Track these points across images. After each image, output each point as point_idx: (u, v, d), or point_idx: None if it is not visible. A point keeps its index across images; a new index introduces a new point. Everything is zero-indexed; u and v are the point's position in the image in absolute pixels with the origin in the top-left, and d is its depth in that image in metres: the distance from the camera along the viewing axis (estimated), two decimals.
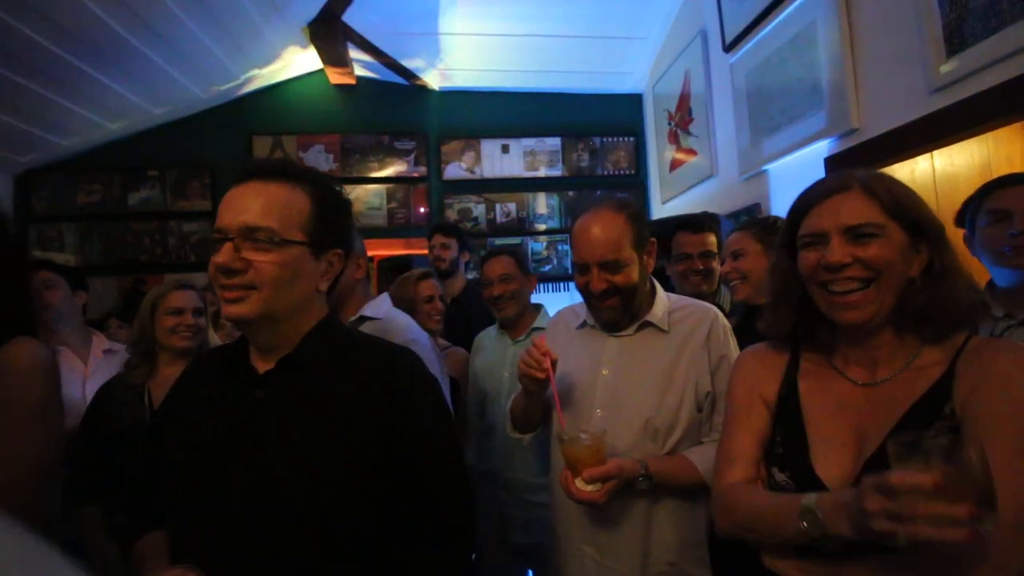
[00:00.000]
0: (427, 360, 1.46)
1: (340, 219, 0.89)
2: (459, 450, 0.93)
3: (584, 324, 1.30)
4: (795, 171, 2.24)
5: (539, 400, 1.22)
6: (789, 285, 0.87)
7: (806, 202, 0.84)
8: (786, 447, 0.84)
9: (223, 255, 0.77)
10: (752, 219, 1.66)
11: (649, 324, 1.21)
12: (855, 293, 0.78)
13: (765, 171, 2.43)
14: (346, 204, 0.93)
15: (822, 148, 2.07)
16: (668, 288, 1.35)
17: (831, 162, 2.01)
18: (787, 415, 0.86)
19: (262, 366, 0.85)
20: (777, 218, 1.57)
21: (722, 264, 1.59)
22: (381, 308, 1.55)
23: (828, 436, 0.80)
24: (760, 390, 0.90)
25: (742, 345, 1.19)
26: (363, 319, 1.49)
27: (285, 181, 0.83)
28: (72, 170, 3.51)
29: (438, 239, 2.72)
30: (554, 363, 1.11)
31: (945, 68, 1.56)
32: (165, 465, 0.85)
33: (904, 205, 0.78)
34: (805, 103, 2.14)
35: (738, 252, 1.59)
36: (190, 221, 3.57)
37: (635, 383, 1.17)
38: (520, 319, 1.95)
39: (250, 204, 0.79)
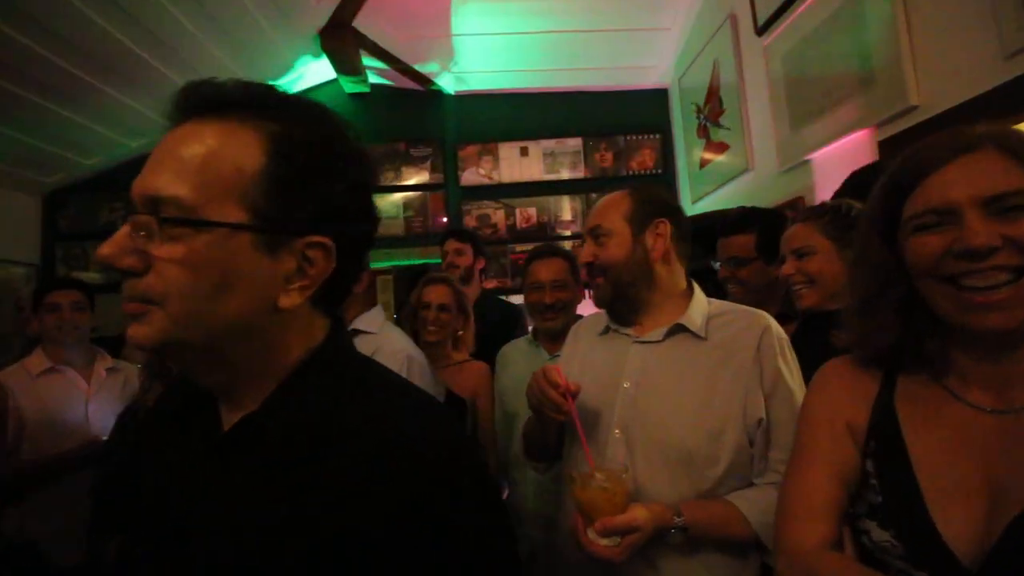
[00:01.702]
0: (420, 377, 1.34)
1: (325, 182, 0.51)
2: None
3: (607, 329, 1.11)
4: (843, 159, 2.00)
5: (555, 424, 1.04)
6: (889, 283, 0.66)
7: (914, 170, 0.63)
8: (888, 495, 0.62)
9: (108, 244, 0.48)
10: (818, 207, 1.34)
11: (682, 329, 1.01)
12: (1003, 288, 0.57)
13: (808, 161, 2.20)
14: (345, 157, 0.53)
15: (875, 131, 1.83)
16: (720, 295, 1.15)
17: (888, 146, 1.77)
18: (885, 452, 0.65)
19: (228, 417, 0.55)
20: (852, 204, 1.29)
21: (782, 264, 1.32)
22: (375, 321, 1.42)
23: (947, 481, 0.59)
24: (845, 415, 0.69)
25: (801, 362, 0.98)
26: (356, 332, 1.36)
27: (228, 117, 0.50)
28: (95, 189, 3.55)
29: (451, 245, 2.56)
30: (574, 395, 0.93)
31: None
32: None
33: None
34: (852, 82, 1.91)
35: (803, 250, 1.29)
36: None
37: (663, 400, 0.96)
38: (562, 332, 1.75)
39: (164, 160, 0.49)
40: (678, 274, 1.08)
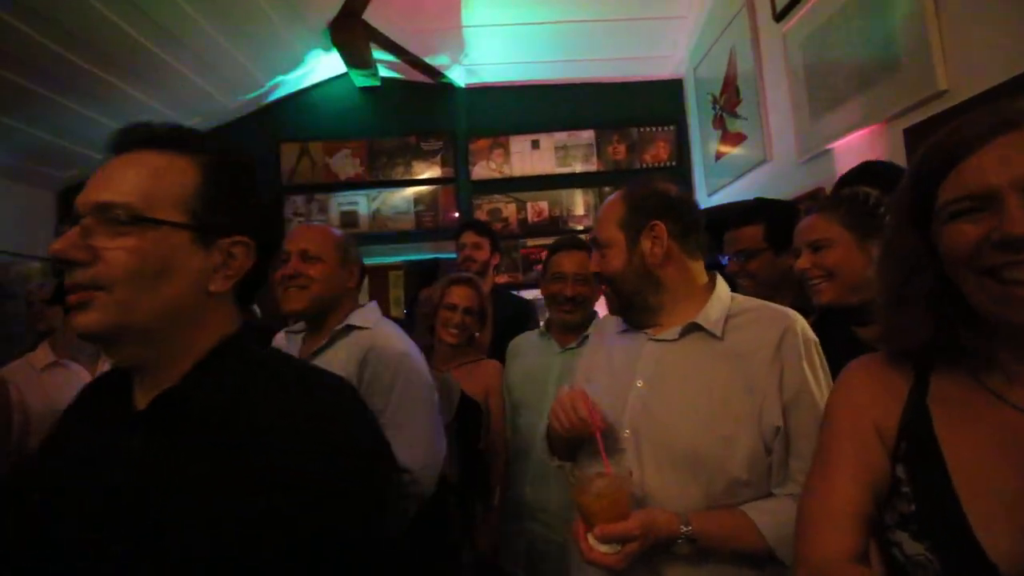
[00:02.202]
0: (417, 374, 1.33)
1: (244, 197, 0.67)
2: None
3: (627, 328, 1.07)
4: (867, 147, 1.92)
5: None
6: (920, 275, 0.60)
7: (950, 151, 0.57)
8: (922, 503, 0.57)
9: (60, 240, 0.58)
10: (835, 197, 1.24)
11: (698, 327, 0.96)
12: None
13: (829, 151, 2.12)
14: (254, 179, 0.70)
15: (901, 118, 1.75)
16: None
17: (914, 134, 1.69)
18: (918, 455, 0.59)
19: (142, 399, 0.64)
20: (871, 192, 1.20)
21: (796, 257, 1.25)
22: (370, 317, 1.39)
23: (988, 490, 0.54)
24: (873, 417, 0.63)
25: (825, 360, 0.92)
26: (350, 328, 1.34)
27: (165, 150, 0.63)
28: None
29: (470, 237, 2.46)
30: (602, 431, 0.91)
31: None
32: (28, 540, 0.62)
33: None
34: (876, 68, 1.83)
35: (818, 243, 1.20)
36: None
37: (674, 401, 0.92)
38: (578, 327, 1.71)
39: (112, 177, 0.61)
40: (691, 270, 1.02)
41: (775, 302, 1.00)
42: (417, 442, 1.27)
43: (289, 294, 1.35)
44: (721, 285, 1.02)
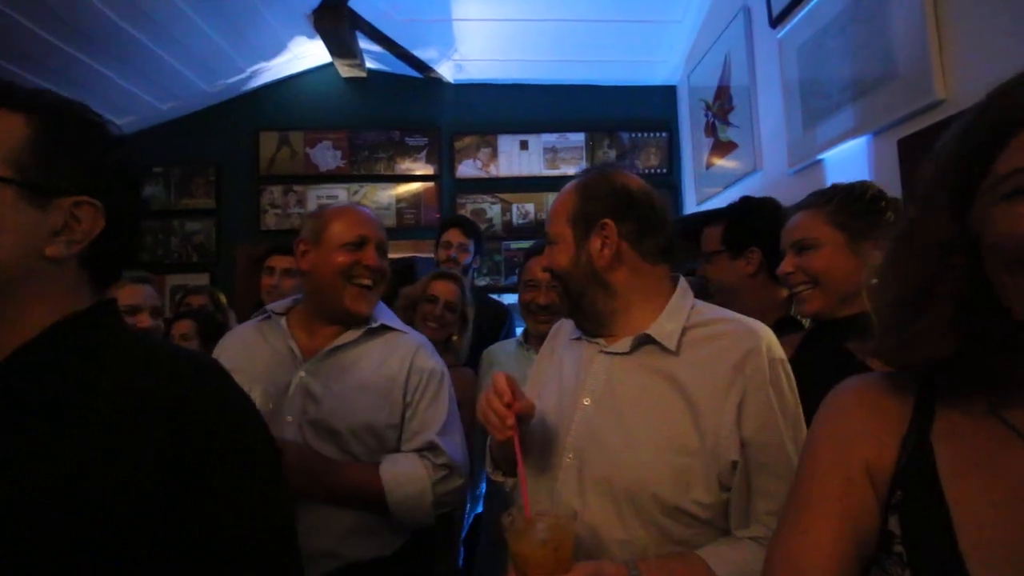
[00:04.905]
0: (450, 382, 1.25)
1: (87, 155, 0.61)
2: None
3: (580, 335, 0.96)
4: (859, 158, 1.85)
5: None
6: (950, 271, 0.48)
7: (1008, 114, 0.46)
8: (918, 567, 0.46)
9: None
10: (825, 191, 1.10)
11: (650, 340, 0.85)
12: None
13: (820, 160, 2.04)
14: (106, 137, 0.63)
15: (895, 128, 1.67)
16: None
17: (907, 145, 1.62)
18: (916, 507, 0.48)
19: None
20: (870, 186, 1.06)
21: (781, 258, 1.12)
22: (395, 319, 1.31)
23: (1003, 553, 0.43)
24: (863, 453, 0.53)
25: (808, 381, 0.80)
26: (384, 328, 1.28)
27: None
28: None
29: (455, 236, 2.31)
30: (524, 417, 0.79)
31: None
32: None
33: None
34: (871, 77, 1.76)
35: (804, 243, 1.05)
36: (193, 220, 3.44)
37: (620, 424, 0.81)
38: None
39: None
40: (648, 276, 0.90)
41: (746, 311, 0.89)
42: (459, 442, 1.22)
43: (366, 294, 1.19)
44: (680, 292, 0.91)
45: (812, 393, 0.80)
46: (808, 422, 0.78)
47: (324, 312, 1.20)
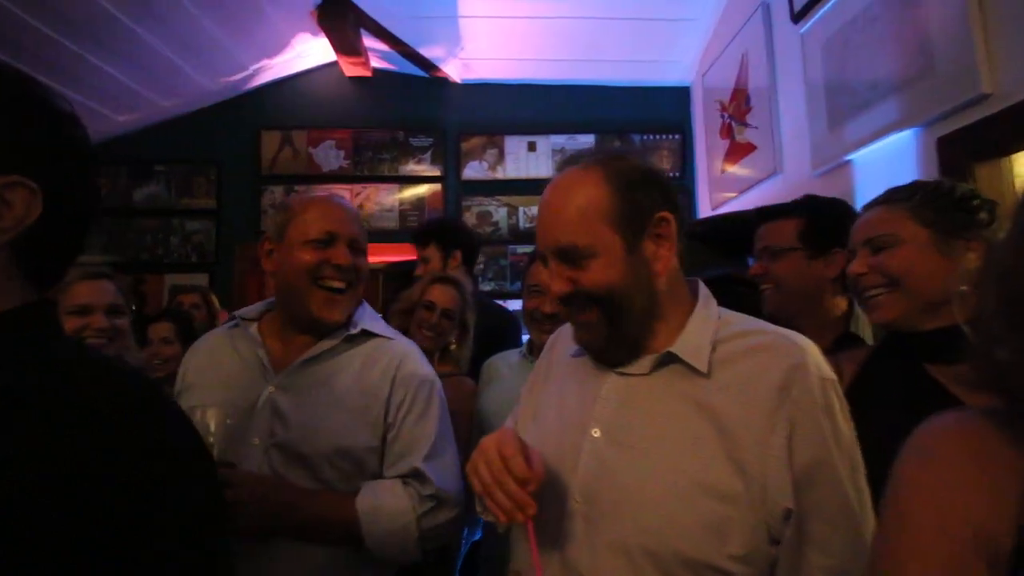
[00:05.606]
0: (442, 397, 1.12)
1: (20, 129, 0.52)
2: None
3: (582, 351, 0.81)
4: (891, 159, 1.72)
5: None
6: None
7: None
8: None
9: None
10: (905, 186, 0.96)
11: (674, 359, 0.71)
12: None
13: (848, 161, 1.92)
14: (50, 111, 0.55)
15: (935, 125, 1.55)
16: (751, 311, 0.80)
17: (948, 142, 1.49)
18: None
19: None
20: (958, 184, 0.92)
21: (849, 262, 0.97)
22: (379, 323, 1.17)
23: None
24: (976, 518, 0.41)
25: (869, 403, 0.68)
26: (367, 335, 1.13)
27: None
28: None
29: (434, 256, 2.21)
30: (535, 495, 0.64)
31: None
32: None
33: None
34: (906, 71, 1.63)
35: (881, 240, 0.91)
36: (194, 220, 3.36)
37: (639, 464, 0.68)
38: None
39: None
40: (677, 281, 0.76)
41: (796, 327, 0.75)
42: (451, 466, 1.08)
43: (336, 298, 1.04)
44: (703, 300, 0.76)
45: (872, 420, 0.68)
46: (865, 452, 0.66)
47: (293, 319, 1.07)
